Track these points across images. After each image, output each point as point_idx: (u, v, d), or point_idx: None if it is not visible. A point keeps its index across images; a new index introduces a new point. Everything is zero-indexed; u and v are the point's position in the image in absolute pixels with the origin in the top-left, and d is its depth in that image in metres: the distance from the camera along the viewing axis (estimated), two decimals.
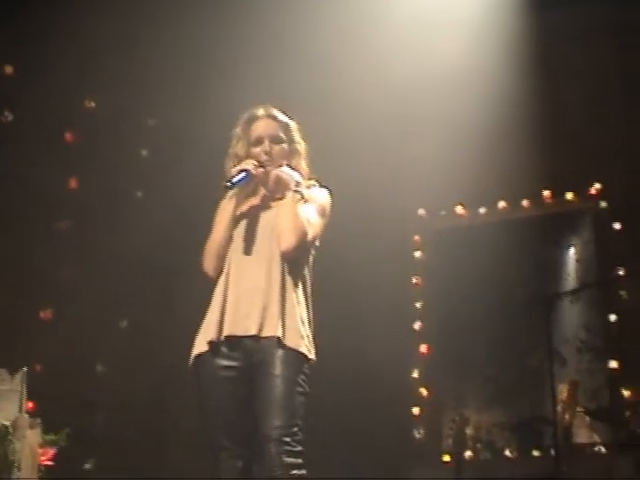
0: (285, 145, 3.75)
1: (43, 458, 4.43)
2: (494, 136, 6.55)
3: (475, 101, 6.53)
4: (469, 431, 6.70)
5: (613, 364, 6.41)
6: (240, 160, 3.68)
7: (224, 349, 3.46)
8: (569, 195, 6.93)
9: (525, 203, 7.03)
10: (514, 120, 6.52)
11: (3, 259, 6.05)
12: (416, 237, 7.24)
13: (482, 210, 7.14)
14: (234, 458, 3.42)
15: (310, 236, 3.57)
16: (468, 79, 6.56)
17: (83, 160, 6.60)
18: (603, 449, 6.26)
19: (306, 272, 3.64)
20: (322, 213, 3.68)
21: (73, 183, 6.63)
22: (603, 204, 6.79)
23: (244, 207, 3.69)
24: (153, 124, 7.12)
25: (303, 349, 3.44)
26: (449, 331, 6.93)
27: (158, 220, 6.55)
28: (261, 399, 3.37)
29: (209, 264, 3.61)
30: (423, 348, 6.91)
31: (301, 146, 3.80)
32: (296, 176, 3.67)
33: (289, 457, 3.27)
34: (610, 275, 6.54)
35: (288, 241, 3.51)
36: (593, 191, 6.84)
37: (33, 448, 4.37)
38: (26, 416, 4.45)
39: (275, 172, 3.67)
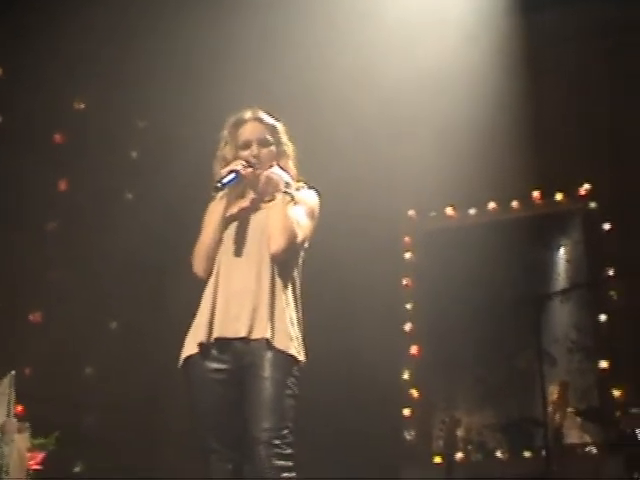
0: (273, 147, 3.75)
1: (32, 462, 4.41)
2: (484, 137, 6.56)
3: (465, 102, 6.53)
4: (460, 432, 6.70)
5: (603, 364, 6.42)
6: (228, 163, 3.68)
7: (214, 351, 3.46)
8: (559, 196, 6.94)
9: (515, 204, 7.05)
10: (504, 121, 6.54)
11: None
12: (406, 238, 7.24)
13: (472, 211, 7.15)
14: (224, 461, 3.42)
15: (300, 238, 3.57)
16: (458, 80, 6.56)
17: (73, 161, 6.59)
18: (594, 449, 6.26)
19: (295, 274, 3.65)
20: (311, 215, 3.69)
21: (63, 184, 6.61)
22: (592, 205, 6.81)
23: (234, 209, 3.69)
24: (143, 125, 7.11)
25: (292, 351, 3.44)
26: (440, 332, 6.93)
27: (148, 221, 6.54)
28: (251, 402, 3.37)
29: (199, 266, 3.61)
30: (414, 349, 6.91)
31: (289, 148, 3.80)
32: (286, 177, 3.67)
33: (279, 460, 3.27)
34: (600, 275, 6.55)
35: (278, 243, 3.51)
36: (582, 192, 6.85)
37: (21, 452, 4.35)
38: (14, 420, 4.43)
39: (266, 173, 3.67)
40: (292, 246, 3.54)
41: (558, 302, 6.54)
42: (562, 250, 6.94)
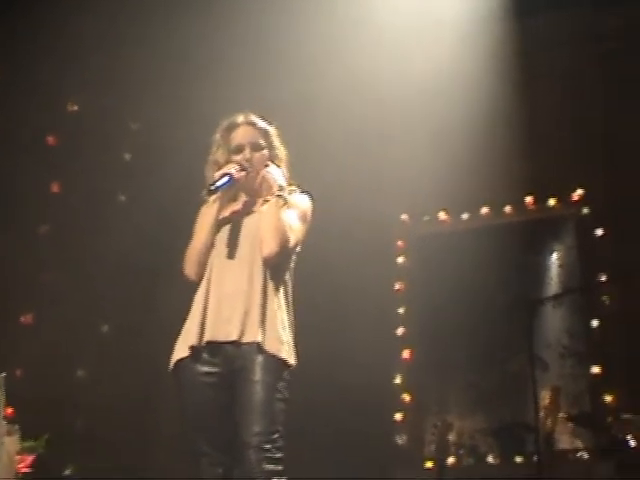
0: (265, 152, 3.76)
1: (21, 465, 4.40)
2: (477, 142, 6.56)
3: (458, 107, 6.53)
4: (452, 437, 6.70)
5: (595, 369, 6.42)
6: (220, 167, 3.68)
7: (205, 355, 3.46)
8: (552, 201, 6.94)
9: (508, 209, 7.05)
10: (497, 126, 6.54)
11: None
12: (399, 242, 7.23)
13: (465, 216, 7.14)
14: (215, 465, 3.42)
15: (292, 242, 3.58)
16: (451, 85, 6.56)
17: (66, 163, 6.58)
18: (585, 455, 6.26)
19: (287, 277, 3.65)
20: (303, 219, 3.69)
21: (56, 186, 6.60)
22: (585, 210, 6.81)
23: (226, 212, 3.69)
24: (136, 128, 7.11)
25: (283, 355, 3.44)
26: (432, 337, 6.93)
27: (141, 223, 6.54)
28: (241, 405, 3.37)
29: (190, 269, 3.61)
30: (406, 354, 6.91)
31: (281, 152, 3.81)
32: (279, 180, 3.67)
33: (269, 464, 3.26)
34: (592, 280, 6.55)
35: (270, 246, 3.51)
36: (575, 197, 6.86)
37: (11, 455, 4.34)
38: (4, 423, 4.42)
39: (262, 172, 3.68)
40: (284, 250, 3.54)
41: (550, 307, 6.54)
42: (555, 255, 6.94)
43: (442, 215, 7.19)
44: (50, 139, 6.60)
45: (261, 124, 3.79)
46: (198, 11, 6.41)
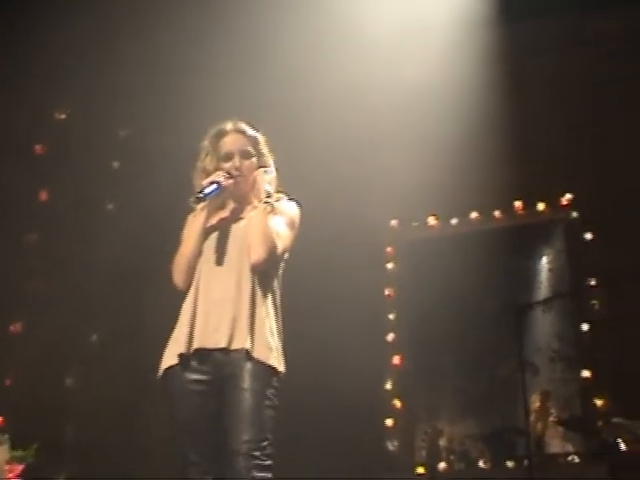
0: (254, 159, 3.76)
1: (11, 475, 4.39)
2: (466, 147, 6.56)
3: (447, 112, 6.53)
4: (442, 442, 6.70)
5: (585, 373, 6.43)
6: (209, 174, 3.68)
7: (194, 362, 3.45)
8: (541, 206, 6.95)
9: (497, 214, 7.05)
10: (486, 131, 6.54)
11: None
12: (389, 248, 7.23)
13: (454, 221, 7.15)
14: (204, 473, 3.40)
15: (280, 249, 3.57)
16: (439, 91, 6.56)
17: (54, 172, 6.57)
18: (576, 459, 6.27)
19: (276, 284, 3.64)
20: (291, 226, 3.69)
21: (44, 195, 6.59)
22: (574, 214, 6.82)
23: (214, 220, 3.68)
24: (124, 135, 7.10)
25: (272, 362, 3.43)
26: (422, 342, 6.92)
27: (130, 231, 6.53)
28: (230, 413, 3.36)
29: (178, 277, 3.61)
30: (396, 359, 6.90)
31: (269, 159, 3.81)
32: (267, 186, 3.67)
33: (258, 471, 3.25)
34: (582, 285, 6.56)
35: (258, 253, 3.50)
36: (564, 201, 6.87)
37: (0, 464, 4.32)
38: None
39: (255, 174, 3.68)
40: (272, 256, 3.53)
41: (540, 311, 6.54)
42: (544, 260, 6.95)
43: (431, 220, 7.19)
44: (38, 148, 6.61)
45: (250, 131, 3.79)
46: (188, 18, 6.41)
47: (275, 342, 3.50)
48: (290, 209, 3.73)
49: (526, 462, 5.53)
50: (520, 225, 7.01)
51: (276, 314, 3.59)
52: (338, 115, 6.56)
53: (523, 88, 6.83)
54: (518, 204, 7.00)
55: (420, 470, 6.59)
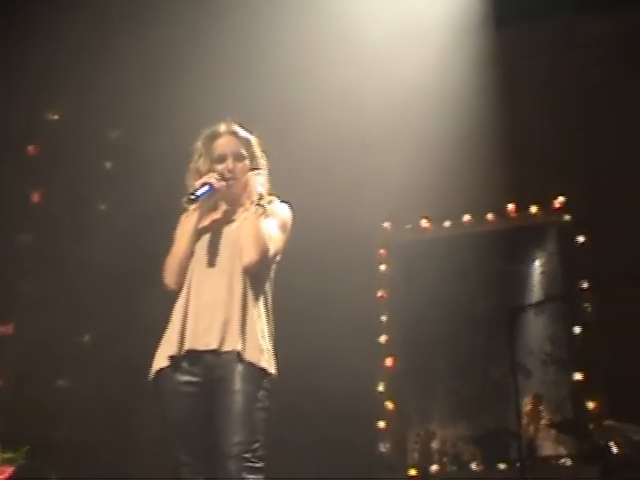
0: (247, 162, 3.76)
1: (0, 477, 4.37)
2: (459, 150, 6.56)
3: (440, 115, 6.54)
4: (435, 445, 6.69)
5: (578, 376, 6.43)
6: (202, 176, 3.68)
7: (185, 364, 3.45)
8: (533, 208, 6.95)
9: (490, 217, 7.05)
10: (479, 134, 6.54)
11: None
12: (381, 250, 7.22)
13: (447, 223, 7.14)
14: (195, 474, 3.41)
15: (271, 251, 3.57)
16: (432, 93, 6.56)
17: (47, 172, 6.55)
18: (569, 461, 6.27)
19: (267, 287, 3.65)
20: (283, 228, 3.70)
21: (36, 196, 6.58)
22: (567, 217, 6.82)
23: (206, 221, 3.68)
24: (116, 136, 7.08)
25: (263, 364, 3.43)
26: (415, 344, 6.92)
27: (122, 231, 6.52)
28: (221, 415, 3.36)
29: (170, 278, 3.61)
30: (388, 361, 6.90)
31: (262, 161, 3.81)
32: (260, 189, 3.67)
33: (249, 474, 3.26)
34: (574, 288, 6.56)
35: (250, 255, 3.51)
36: (557, 204, 6.87)
37: None
38: None
39: (247, 176, 3.68)
40: (264, 259, 3.53)
41: (532, 314, 6.54)
42: (537, 262, 6.95)
43: (424, 223, 7.18)
44: (30, 148, 6.59)
45: (243, 133, 3.79)
46: (182, 18, 6.40)
47: (266, 344, 3.50)
48: (282, 211, 3.74)
49: (518, 464, 5.52)
50: (513, 228, 7.01)
51: (268, 316, 3.59)
52: (331, 117, 6.56)
53: (516, 91, 6.83)
54: (511, 207, 7.00)
55: (412, 472, 6.58)
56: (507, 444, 6.38)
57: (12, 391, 5.69)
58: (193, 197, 3.55)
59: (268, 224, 3.59)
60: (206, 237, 3.63)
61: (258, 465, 3.29)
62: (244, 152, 3.76)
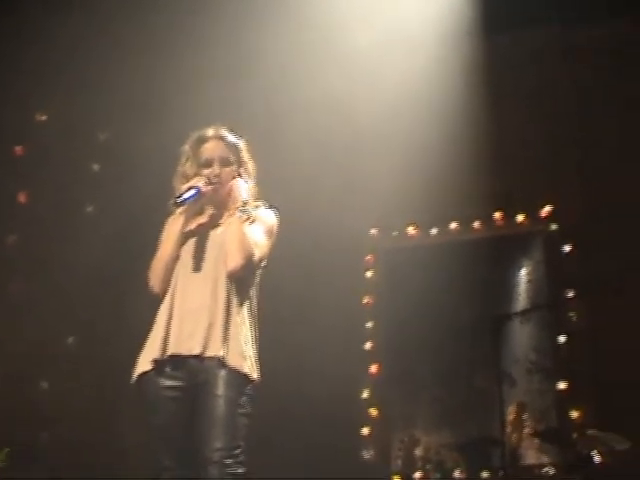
0: (234, 167, 3.75)
1: None
2: (446, 158, 6.56)
3: (428, 122, 6.54)
4: (418, 452, 6.70)
5: (562, 385, 6.44)
6: (188, 179, 3.68)
7: (168, 369, 3.45)
8: (520, 217, 6.96)
9: (476, 224, 7.06)
10: (467, 142, 6.55)
11: None
12: (368, 257, 7.23)
13: (434, 231, 7.14)
14: (177, 478, 3.39)
15: (256, 256, 3.57)
16: (421, 101, 6.56)
17: (34, 173, 6.54)
18: (552, 470, 6.27)
19: (252, 292, 3.64)
20: (269, 234, 3.69)
21: (23, 197, 6.56)
22: (553, 226, 6.84)
23: (192, 225, 3.68)
24: (104, 138, 7.07)
25: (246, 370, 3.43)
26: (400, 351, 6.92)
27: (110, 234, 6.50)
28: (203, 419, 3.36)
29: (155, 281, 3.60)
30: (373, 368, 6.90)
31: (250, 166, 3.81)
32: (245, 195, 3.66)
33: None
34: (560, 297, 6.58)
35: (235, 261, 3.50)
36: (544, 213, 6.88)
37: None
38: None
39: (231, 183, 3.67)
40: (249, 264, 3.53)
41: (518, 323, 6.56)
42: (523, 271, 6.96)
43: (411, 230, 7.19)
44: (18, 149, 6.57)
45: (231, 139, 3.79)
46: (171, 23, 6.39)
47: (249, 350, 3.49)
48: (268, 217, 3.73)
49: (501, 473, 5.54)
50: (499, 236, 7.02)
51: (252, 322, 3.59)
52: (320, 122, 6.57)
53: (504, 99, 6.84)
54: (498, 215, 7.01)
55: (396, 479, 6.58)
56: (491, 452, 6.38)
57: None
58: (179, 200, 3.55)
59: (254, 230, 3.59)
60: (192, 241, 3.62)
61: (240, 471, 3.28)
62: (231, 157, 3.75)
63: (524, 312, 6.63)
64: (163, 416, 3.43)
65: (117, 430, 6.64)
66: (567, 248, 6.72)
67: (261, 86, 6.54)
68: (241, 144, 3.80)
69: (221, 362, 3.37)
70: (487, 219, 7.02)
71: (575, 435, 5.83)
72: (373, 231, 7.26)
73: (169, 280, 3.57)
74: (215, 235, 3.62)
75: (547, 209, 6.87)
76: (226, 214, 3.68)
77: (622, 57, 6.72)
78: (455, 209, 6.96)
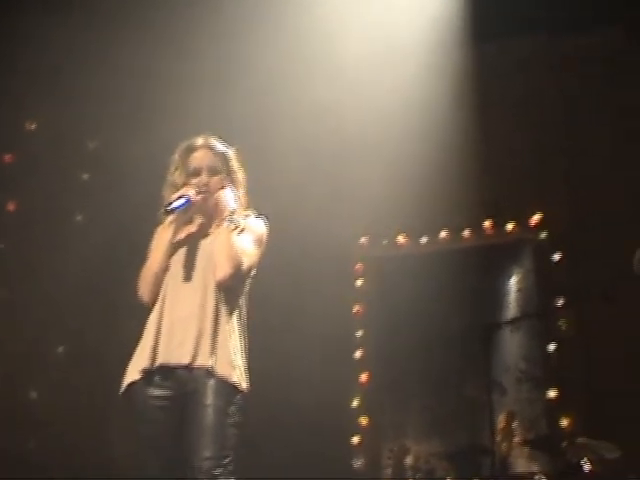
0: (223, 176, 3.74)
1: None
2: (436, 166, 6.57)
3: (417, 131, 6.55)
4: (408, 461, 6.69)
5: (552, 394, 6.45)
6: (177, 189, 3.67)
7: (157, 378, 3.44)
8: (510, 225, 6.97)
9: (466, 233, 7.06)
10: (456, 150, 6.56)
11: None
12: (357, 265, 7.23)
13: (424, 239, 7.15)
14: None
15: (245, 266, 3.56)
16: (409, 110, 6.57)
17: (22, 182, 6.53)
18: (542, 478, 6.26)
19: (241, 302, 3.64)
20: (258, 243, 3.69)
21: (11, 205, 6.55)
22: (543, 235, 6.84)
23: (181, 235, 3.67)
24: (94, 146, 7.06)
25: (235, 379, 3.42)
26: (390, 360, 6.92)
27: (99, 242, 6.49)
28: (192, 429, 3.35)
29: (144, 290, 3.59)
30: (363, 377, 6.89)
31: (239, 175, 3.80)
32: (232, 204, 3.66)
33: None
34: (549, 305, 6.58)
35: (223, 270, 3.50)
36: (533, 222, 6.89)
37: None
38: None
39: (218, 194, 3.67)
40: (238, 274, 3.53)
41: (508, 331, 6.56)
42: (513, 279, 6.97)
43: (401, 238, 7.19)
44: (7, 157, 6.56)
45: (220, 148, 3.78)
46: (161, 32, 6.39)
47: (238, 360, 3.49)
48: (257, 226, 3.73)
49: None
50: (489, 245, 7.03)
51: (241, 331, 3.58)
52: (309, 131, 6.57)
53: (492, 108, 6.86)
54: (487, 224, 7.01)
55: None
56: (481, 461, 6.36)
57: None
58: (169, 209, 3.55)
59: (243, 239, 3.59)
60: (181, 251, 3.62)
61: None
62: (220, 166, 3.75)
63: (514, 321, 6.63)
64: (152, 426, 3.42)
65: (106, 439, 6.62)
66: (557, 256, 6.73)
67: (251, 96, 6.53)
68: (230, 153, 3.80)
69: (210, 372, 3.37)
70: (477, 228, 7.03)
71: (565, 443, 5.82)
72: (363, 239, 7.26)
73: (158, 289, 3.56)
74: (204, 244, 3.62)
75: (537, 217, 6.87)
76: (215, 223, 3.67)
77: (614, 65, 6.74)
78: (445, 217, 6.97)
